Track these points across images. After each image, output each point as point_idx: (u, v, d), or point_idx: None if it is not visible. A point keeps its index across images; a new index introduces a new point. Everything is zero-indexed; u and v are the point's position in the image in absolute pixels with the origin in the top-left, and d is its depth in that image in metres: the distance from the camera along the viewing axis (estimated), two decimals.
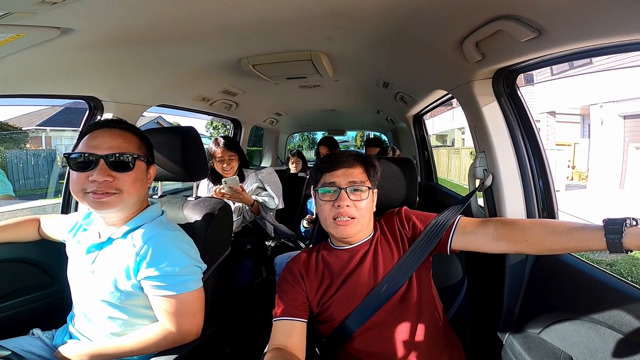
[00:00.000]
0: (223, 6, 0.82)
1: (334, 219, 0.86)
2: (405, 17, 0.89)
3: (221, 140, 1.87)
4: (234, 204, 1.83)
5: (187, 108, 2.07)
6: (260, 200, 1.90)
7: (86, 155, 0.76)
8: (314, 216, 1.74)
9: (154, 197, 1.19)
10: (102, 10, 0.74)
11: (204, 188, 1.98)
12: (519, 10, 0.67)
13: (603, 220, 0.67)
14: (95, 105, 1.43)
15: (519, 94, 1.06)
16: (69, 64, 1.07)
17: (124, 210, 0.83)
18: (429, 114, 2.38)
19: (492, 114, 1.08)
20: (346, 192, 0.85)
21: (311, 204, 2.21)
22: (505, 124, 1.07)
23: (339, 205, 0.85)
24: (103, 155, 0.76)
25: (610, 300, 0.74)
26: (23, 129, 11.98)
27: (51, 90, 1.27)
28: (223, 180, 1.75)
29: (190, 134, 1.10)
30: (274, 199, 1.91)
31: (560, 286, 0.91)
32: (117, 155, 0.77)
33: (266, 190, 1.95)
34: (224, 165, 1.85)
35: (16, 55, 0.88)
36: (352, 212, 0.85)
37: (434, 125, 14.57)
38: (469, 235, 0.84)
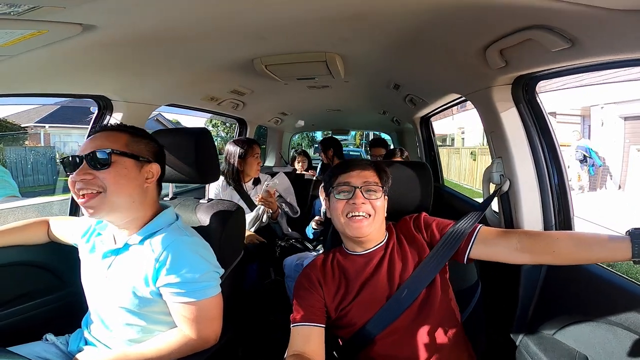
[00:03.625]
0: (243, 5, 0.81)
1: (348, 216, 0.86)
2: (428, 23, 0.87)
3: (251, 139, 1.89)
4: (259, 208, 1.79)
5: (195, 107, 2.05)
6: (286, 209, 1.92)
7: (70, 157, 0.77)
8: (323, 218, 1.74)
9: (164, 199, 1.17)
10: (127, 8, 0.72)
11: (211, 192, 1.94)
12: (553, 21, 0.66)
13: (627, 232, 0.68)
14: (105, 105, 1.41)
15: (538, 100, 1.05)
16: (82, 63, 1.04)
17: (120, 212, 0.79)
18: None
19: (511, 120, 1.07)
20: (361, 191, 0.86)
21: (319, 205, 2.20)
22: (523, 130, 1.06)
23: (354, 203, 0.85)
24: (84, 155, 0.76)
25: (627, 302, 0.74)
26: (22, 126, 11.85)
27: (61, 89, 1.25)
28: (265, 183, 1.77)
29: (204, 135, 1.09)
30: (292, 208, 1.95)
31: (575, 289, 0.92)
32: (94, 152, 0.76)
33: (282, 197, 1.97)
34: (259, 163, 1.86)
35: (31, 52, 0.85)
36: (368, 209, 0.86)
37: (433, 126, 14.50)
38: (490, 247, 0.84)
